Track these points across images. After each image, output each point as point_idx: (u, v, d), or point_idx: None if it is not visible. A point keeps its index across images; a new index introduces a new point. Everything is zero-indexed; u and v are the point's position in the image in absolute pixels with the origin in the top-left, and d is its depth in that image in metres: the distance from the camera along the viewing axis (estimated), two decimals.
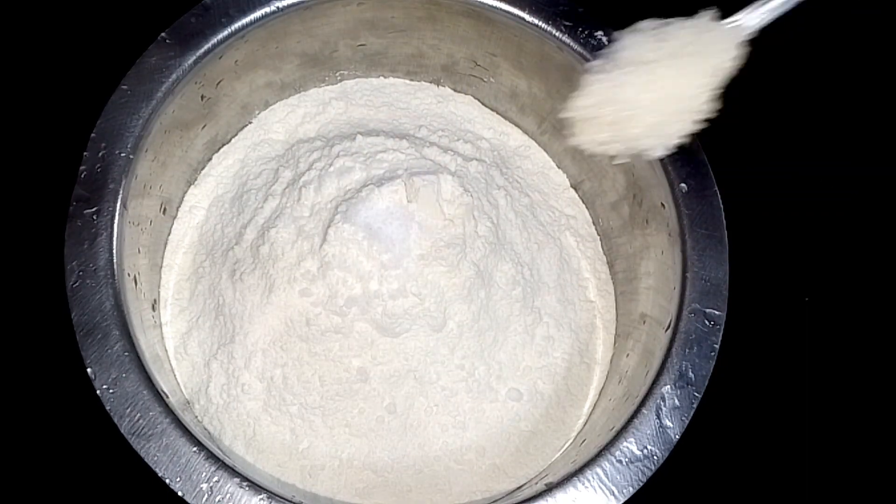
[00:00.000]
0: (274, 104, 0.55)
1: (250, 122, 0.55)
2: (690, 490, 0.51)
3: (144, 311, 0.46)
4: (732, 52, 0.37)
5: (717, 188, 0.45)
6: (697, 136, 0.46)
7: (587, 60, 0.47)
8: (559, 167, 0.56)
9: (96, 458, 0.48)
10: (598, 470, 0.40)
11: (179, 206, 0.52)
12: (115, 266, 0.42)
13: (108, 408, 0.39)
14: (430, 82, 0.57)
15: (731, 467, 0.53)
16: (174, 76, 0.45)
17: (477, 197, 0.48)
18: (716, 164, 0.46)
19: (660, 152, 0.40)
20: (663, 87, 0.37)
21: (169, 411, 0.40)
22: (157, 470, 0.38)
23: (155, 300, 0.49)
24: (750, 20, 0.38)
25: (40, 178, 0.52)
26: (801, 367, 0.55)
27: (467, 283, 0.46)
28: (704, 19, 0.38)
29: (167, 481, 0.38)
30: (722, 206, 0.45)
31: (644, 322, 0.48)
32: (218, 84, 0.49)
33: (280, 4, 0.47)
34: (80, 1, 0.59)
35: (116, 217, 0.43)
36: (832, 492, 0.53)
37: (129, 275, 0.43)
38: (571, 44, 0.48)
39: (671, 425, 0.41)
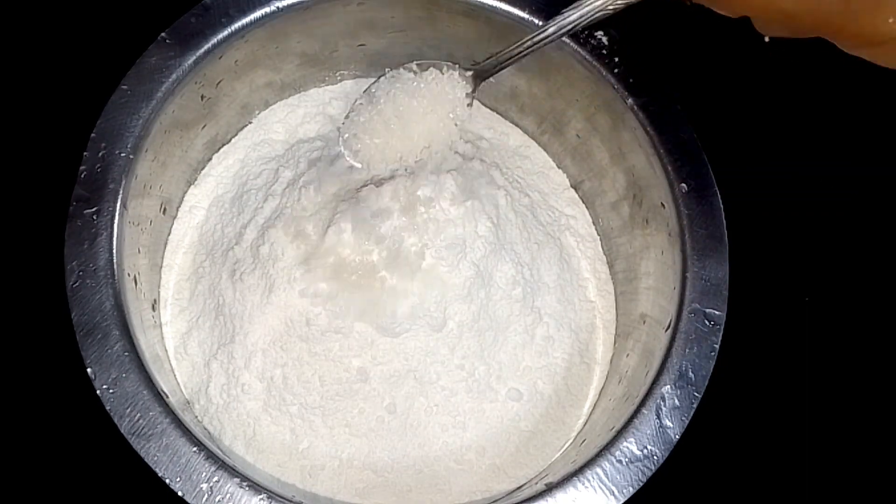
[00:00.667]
0: (274, 104, 0.55)
1: (250, 122, 0.55)
2: (690, 490, 0.51)
3: (144, 311, 0.46)
4: (468, 94, 0.44)
5: (717, 188, 0.45)
6: (697, 136, 0.46)
7: (587, 61, 0.47)
8: (559, 167, 0.56)
9: (96, 458, 0.48)
10: (598, 470, 0.40)
11: (179, 206, 0.52)
12: (115, 266, 0.42)
13: (108, 408, 0.39)
14: None
15: (731, 467, 0.53)
16: (174, 76, 0.45)
17: (477, 197, 0.48)
18: (716, 164, 0.46)
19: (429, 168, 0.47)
20: (405, 120, 0.44)
21: (169, 411, 0.40)
22: (157, 470, 0.38)
23: (155, 300, 0.49)
24: (484, 69, 0.44)
25: (40, 178, 0.52)
26: (801, 367, 0.55)
27: (467, 283, 0.46)
28: (446, 66, 0.44)
29: (167, 481, 0.38)
30: (722, 206, 0.45)
31: (644, 322, 0.48)
32: (218, 84, 0.49)
33: (280, 4, 0.47)
34: (80, 1, 0.59)
35: (116, 217, 0.43)
36: (832, 492, 0.53)
37: (129, 275, 0.43)
38: (571, 44, 0.48)
39: (671, 425, 0.41)
